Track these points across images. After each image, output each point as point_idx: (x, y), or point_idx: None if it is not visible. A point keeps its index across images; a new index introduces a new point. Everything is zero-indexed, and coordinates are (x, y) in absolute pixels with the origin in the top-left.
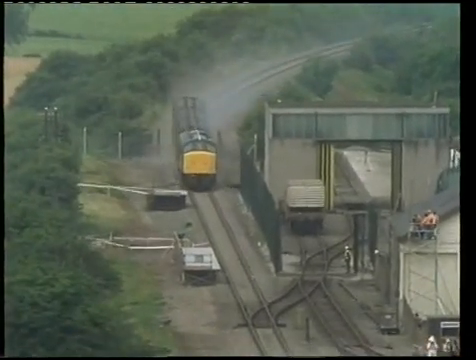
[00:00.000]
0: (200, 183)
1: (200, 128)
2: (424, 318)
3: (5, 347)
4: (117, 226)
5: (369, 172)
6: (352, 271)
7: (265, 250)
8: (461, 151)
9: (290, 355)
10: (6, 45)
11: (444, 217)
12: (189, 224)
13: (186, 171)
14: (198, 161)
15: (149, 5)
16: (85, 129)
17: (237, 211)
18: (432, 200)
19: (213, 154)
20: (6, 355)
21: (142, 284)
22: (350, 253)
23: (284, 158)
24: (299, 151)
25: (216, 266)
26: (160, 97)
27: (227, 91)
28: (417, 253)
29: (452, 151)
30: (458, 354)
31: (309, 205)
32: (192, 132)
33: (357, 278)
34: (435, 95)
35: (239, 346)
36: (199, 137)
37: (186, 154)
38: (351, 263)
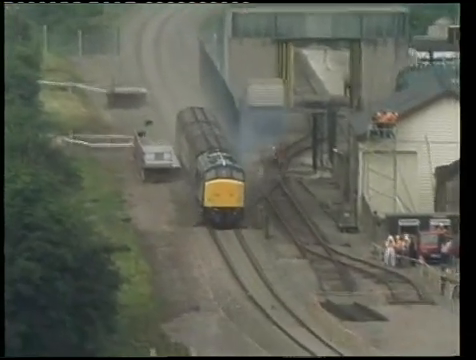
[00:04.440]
0: (225, 219)
1: (223, 149)
2: (382, 216)
3: None
4: (78, 124)
5: (328, 71)
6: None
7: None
8: (461, 151)
9: (249, 253)
10: None
11: (403, 116)
12: (149, 122)
13: (208, 204)
14: (223, 192)
15: None
16: (46, 27)
17: None
18: (391, 99)
19: (241, 183)
20: None
21: (102, 181)
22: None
23: (244, 57)
24: (259, 50)
25: (176, 164)
26: None
27: None
28: (376, 152)
29: (411, 50)
30: (416, 249)
31: (269, 104)
32: (214, 155)
33: (316, 176)
34: None
35: (199, 244)
36: (223, 162)
37: (208, 183)
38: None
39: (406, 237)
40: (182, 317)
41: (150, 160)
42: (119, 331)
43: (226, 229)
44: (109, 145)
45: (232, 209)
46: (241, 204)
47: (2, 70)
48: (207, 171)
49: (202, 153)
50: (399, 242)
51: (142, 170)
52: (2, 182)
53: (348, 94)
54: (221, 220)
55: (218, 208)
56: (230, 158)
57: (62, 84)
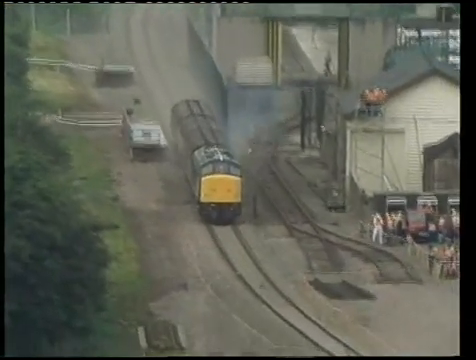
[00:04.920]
0: (221, 214)
1: (219, 144)
2: (370, 195)
3: None
4: (66, 102)
5: (316, 49)
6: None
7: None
8: (461, 151)
9: (237, 232)
10: None
11: (391, 94)
12: (137, 101)
13: (204, 199)
14: (219, 187)
15: None
16: (34, 6)
17: (186, 88)
18: (379, 77)
19: (238, 178)
20: None
21: (91, 160)
22: None
23: (232, 36)
24: (247, 29)
25: (164, 142)
26: None
27: None
28: (364, 130)
29: (399, 29)
30: (404, 227)
31: (257, 82)
32: (211, 150)
33: (304, 155)
34: None
35: (187, 222)
36: (220, 157)
37: (204, 178)
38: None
39: (394, 215)
40: (170, 295)
41: (138, 139)
42: (107, 309)
43: (223, 225)
44: (98, 123)
45: (229, 205)
46: (238, 200)
47: (2, 69)
48: (204, 166)
49: (198, 148)
50: (387, 220)
51: (130, 149)
52: (2, 181)
53: (329, 71)
54: (218, 216)
55: (215, 204)
56: (227, 153)
57: (51, 63)
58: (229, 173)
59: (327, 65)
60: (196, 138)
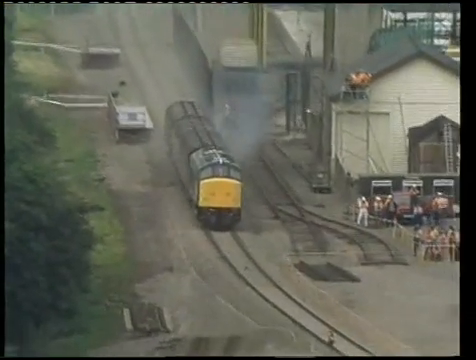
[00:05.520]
0: (220, 219)
1: (217, 146)
2: (355, 177)
3: None
4: (52, 84)
5: (302, 32)
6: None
7: (198, 108)
8: (461, 150)
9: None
10: None
11: (376, 76)
12: (123, 83)
13: (202, 204)
14: (219, 191)
15: None
16: None
17: (171, 70)
18: (364, 60)
19: (238, 182)
20: None
21: (76, 142)
22: None
23: (217, 18)
24: (232, 11)
25: (149, 124)
26: None
27: None
28: (349, 112)
29: (384, 12)
30: (392, 209)
31: (242, 64)
32: (209, 152)
33: (289, 137)
34: None
35: (173, 204)
36: (220, 160)
37: (203, 182)
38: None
39: (379, 198)
40: (155, 278)
41: (124, 120)
42: (93, 291)
43: (222, 231)
44: (83, 105)
45: (229, 210)
46: (238, 205)
47: (2, 68)
48: (202, 169)
49: (196, 150)
50: (372, 203)
51: (116, 130)
52: (2, 181)
53: (309, 54)
54: (217, 221)
55: (214, 208)
56: (227, 156)
57: (36, 44)
58: (229, 176)
59: (308, 48)
60: (192, 140)
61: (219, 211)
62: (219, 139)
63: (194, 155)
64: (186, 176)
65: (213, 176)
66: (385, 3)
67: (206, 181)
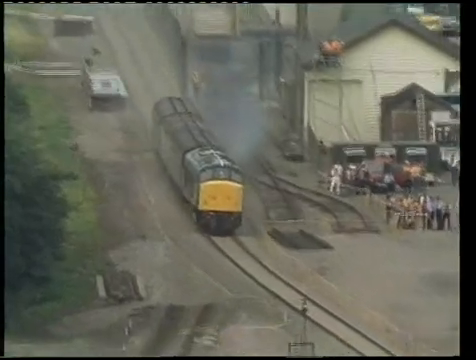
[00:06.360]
0: (220, 224)
1: (214, 146)
2: (328, 145)
3: None
4: (24, 51)
5: None
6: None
7: (172, 77)
8: (461, 150)
9: None
10: None
11: (349, 45)
12: (97, 51)
13: (203, 207)
14: (220, 194)
15: None
16: None
17: (144, 39)
18: (337, 28)
19: (239, 186)
20: None
21: (50, 109)
22: None
23: None
24: None
25: (123, 93)
26: None
27: None
28: (322, 81)
29: None
30: (364, 178)
31: (215, 32)
32: (207, 153)
33: (263, 105)
34: None
35: (146, 173)
36: (221, 162)
37: (203, 184)
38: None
39: (352, 166)
40: (129, 245)
41: (97, 88)
42: (66, 258)
43: (222, 235)
44: (57, 73)
45: (230, 214)
46: (239, 209)
47: (2, 68)
48: (202, 171)
49: (191, 150)
50: (345, 171)
51: (89, 98)
52: (2, 181)
53: (278, 22)
54: (217, 225)
55: (214, 212)
56: (227, 157)
57: (8, 12)
58: (230, 179)
59: (277, 16)
60: (186, 139)
61: (220, 215)
62: (213, 138)
63: (189, 155)
64: (179, 176)
65: (214, 179)
66: (385, 3)
67: (207, 184)
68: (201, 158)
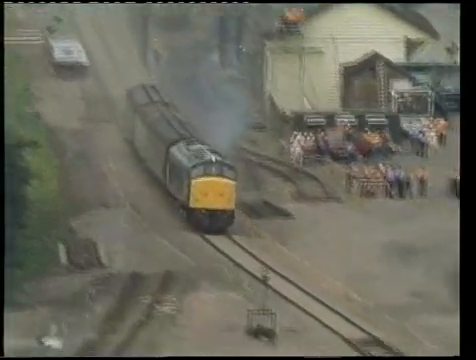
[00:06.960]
0: (212, 222)
1: (200, 140)
2: (289, 113)
3: None
4: None
5: None
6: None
7: (135, 47)
8: (461, 150)
9: None
10: None
11: (310, 14)
12: (59, 19)
13: (195, 205)
14: (212, 191)
15: None
16: None
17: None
18: None
19: (232, 182)
20: None
21: (12, 77)
22: None
23: None
24: None
25: (85, 60)
26: None
27: None
28: (282, 50)
29: None
30: (323, 146)
31: None
32: (195, 148)
33: (224, 74)
34: None
35: (109, 141)
36: (212, 157)
37: (195, 181)
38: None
39: (312, 134)
40: (91, 213)
41: (60, 56)
42: (29, 226)
43: (215, 234)
44: (18, 40)
45: (222, 211)
46: (232, 206)
47: (2, 68)
48: (193, 167)
49: (175, 143)
50: (306, 140)
51: (51, 66)
52: (2, 182)
53: None
54: (209, 223)
55: (206, 210)
56: (217, 153)
57: None
58: (222, 175)
59: None
60: (167, 131)
61: (212, 213)
62: (194, 130)
63: (175, 149)
64: (162, 170)
65: (205, 175)
66: (384, 3)
67: (198, 180)
68: (190, 153)
